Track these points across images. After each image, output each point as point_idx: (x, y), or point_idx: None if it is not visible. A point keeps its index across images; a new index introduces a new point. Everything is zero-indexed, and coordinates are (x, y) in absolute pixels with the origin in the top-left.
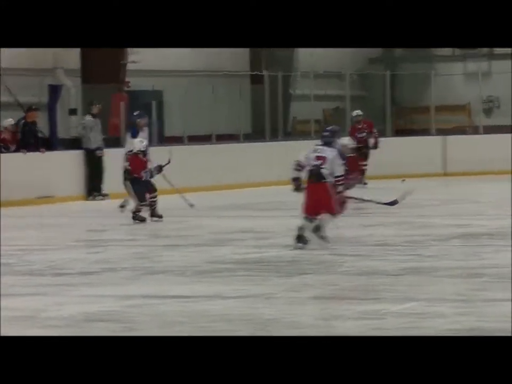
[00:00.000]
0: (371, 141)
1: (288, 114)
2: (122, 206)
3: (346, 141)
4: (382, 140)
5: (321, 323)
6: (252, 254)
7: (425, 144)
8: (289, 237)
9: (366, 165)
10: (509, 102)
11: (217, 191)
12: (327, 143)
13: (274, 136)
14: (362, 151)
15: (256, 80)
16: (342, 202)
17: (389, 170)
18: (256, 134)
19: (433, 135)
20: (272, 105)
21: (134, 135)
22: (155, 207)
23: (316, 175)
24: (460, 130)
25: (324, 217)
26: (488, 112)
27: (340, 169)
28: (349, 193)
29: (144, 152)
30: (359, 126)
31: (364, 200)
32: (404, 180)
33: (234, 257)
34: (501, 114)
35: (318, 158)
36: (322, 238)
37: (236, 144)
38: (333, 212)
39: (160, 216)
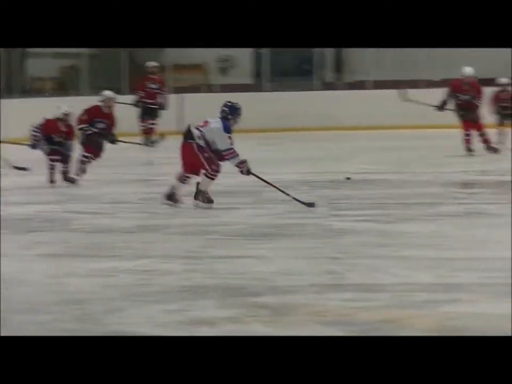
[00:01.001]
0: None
1: (24, 72)
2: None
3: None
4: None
5: (51, 281)
6: None
7: None
8: (23, 195)
9: (154, 124)
10: (244, 61)
11: None
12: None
13: (10, 93)
14: (151, 109)
15: None
16: (215, 163)
17: (124, 129)
18: None
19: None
20: (7, 62)
21: None
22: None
23: (186, 133)
24: (196, 89)
25: (202, 180)
26: (223, 71)
27: (224, 143)
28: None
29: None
30: (153, 77)
31: (284, 193)
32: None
33: None
34: (237, 73)
35: (204, 121)
36: (208, 200)
37: None
38: (206, 170)
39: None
